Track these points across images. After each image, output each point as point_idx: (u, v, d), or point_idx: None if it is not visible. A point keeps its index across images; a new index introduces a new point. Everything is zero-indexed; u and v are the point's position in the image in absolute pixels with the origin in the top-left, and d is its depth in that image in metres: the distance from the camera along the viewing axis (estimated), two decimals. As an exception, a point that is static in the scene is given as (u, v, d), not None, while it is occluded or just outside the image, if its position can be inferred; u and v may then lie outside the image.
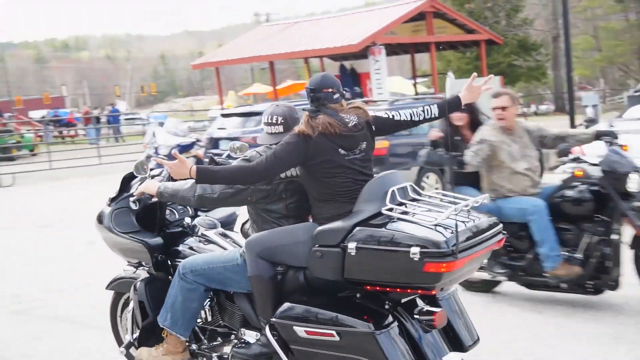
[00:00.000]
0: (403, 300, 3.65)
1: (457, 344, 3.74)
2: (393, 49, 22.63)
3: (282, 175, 3.89)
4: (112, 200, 4.71)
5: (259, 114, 12.92)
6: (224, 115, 14.02)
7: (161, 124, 15.50)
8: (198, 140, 15.36)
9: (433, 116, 4.07)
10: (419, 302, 3.70)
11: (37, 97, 55.14)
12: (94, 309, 6.36)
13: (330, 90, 3.85)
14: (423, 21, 20.62)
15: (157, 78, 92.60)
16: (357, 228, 3.55)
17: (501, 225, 3.77)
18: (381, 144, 10.64)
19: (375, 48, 18.59)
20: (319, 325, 3.53)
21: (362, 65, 22.44)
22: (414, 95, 22.63)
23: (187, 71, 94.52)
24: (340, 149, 3.74)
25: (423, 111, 4.02)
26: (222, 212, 4.88)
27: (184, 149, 14.77)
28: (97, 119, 33.39)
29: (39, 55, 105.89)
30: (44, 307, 6.89)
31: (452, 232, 3.34)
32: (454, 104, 4.14)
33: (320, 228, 3.70)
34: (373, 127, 3.91)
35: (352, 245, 3.49)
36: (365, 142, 3.83)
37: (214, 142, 13.15)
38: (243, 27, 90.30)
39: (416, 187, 3.83)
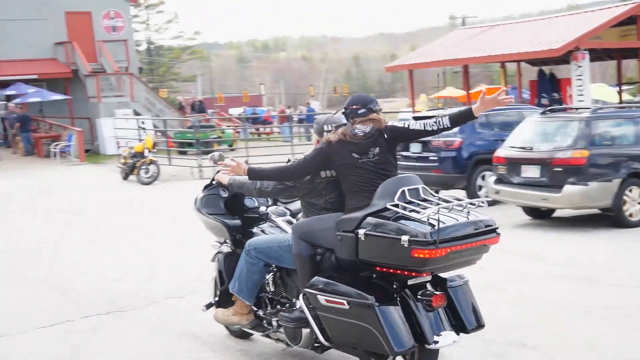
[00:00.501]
0: (410, 283, 4.40)
1: (461, 326, 4.48)
2: (597, 54, 21.39)
3: (323, 175, 4.82)
4: (206, 187, 5.83)
5: (451, 117, 12.75)
6: (415, 119, 13.93)
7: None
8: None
9: (445, 127, 4.66)
10: (428, 286, 4.44)
11: (237, 95, 58.22)
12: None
13: (355, 106, 4.79)
14: (633, 25, 19.28)
15: (349, 79, 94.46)
16: (368, 218, 4.37)
17: (497, 226, 4.41)
18: (580, 153, 10.11)
19: (579, 53, 17.69)
20: (335, 295, 4.39)
21: (562, 70, 21.47)
22: (618, 103, 21.28)
23: (379, 73, 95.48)
24: (353, 154, 4.63)
25: (435, 122, 4.66)
26: (297, 204, 5.56)
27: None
28: (291, 118, 34.65)
29: (241, 55, 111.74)
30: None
31: (437, 226, 4.09)
32: (465, 116, 4.66)
33: (341, 217, 4.58)
34: (385, 135, 4.68)
35: (362, 232, 4.35)
36: (377, 148, 4.65)
37: (404, 144, 13.11)
38: (437, 30, 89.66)
39: (428, 189, 4.56)
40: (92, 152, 26.95)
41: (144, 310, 6.94)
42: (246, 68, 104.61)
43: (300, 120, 35.10)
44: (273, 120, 38.69)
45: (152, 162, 18.08)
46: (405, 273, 4.31)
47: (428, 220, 4.14)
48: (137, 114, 27.57)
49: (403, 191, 4.42)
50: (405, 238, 4.10)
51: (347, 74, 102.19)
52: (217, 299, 5.74)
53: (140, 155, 18.29)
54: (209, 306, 5.80)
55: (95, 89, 28.10)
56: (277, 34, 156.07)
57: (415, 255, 4.08)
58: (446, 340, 4.33)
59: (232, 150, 26.92)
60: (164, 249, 9.93)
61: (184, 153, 23.28)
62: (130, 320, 6.65)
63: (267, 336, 5.39)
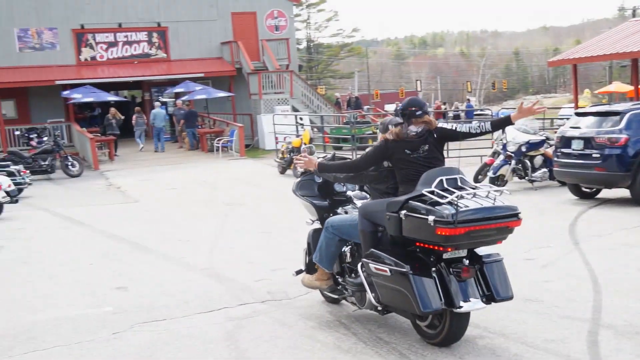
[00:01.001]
0: (445, 257, 5.23)
1: (491, 297, 5.26)
2: None
3: (385, 164, 5.72)
4: (303, 173, 6.91)
5: (616, 114, 12.08)
6: (578, 114, 13.33)
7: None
8: (548, 139, 14.86)
9: (486, 130, 5.54)
10: (464, 260, 5.23)
11: (393, 91, 58.31)
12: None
13: (412, 108, 5.62)
14: None
15: (509, 74, 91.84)
16: (408, 202, 5.22)
17: (519, 211, 5.14)
18: None
19: None
20: (381, 263, 5.35)
21: None
22: None
23: (540, 68, 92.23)
24: (406, 150, 5.53)
25: (479, 126, 5.56)
26: None
27: (533, 146, 14.42)
28: (446, 114, 34.17)
29: (398, 52, 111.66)
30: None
31: (458, 208, 4.90)
32: (505, 122, 5.67)
33: (390, 200, 5.41)
34: (435, 135, 5.55)
35: (402, 212, 5.23)
36: (427, 146, 5.53)
37: (565, 141, 12.60)
38: (605, 22, 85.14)
39: (465, 179, 5.34)
40: (251, 147, 27.92)
41: (297, 301, 7.13)
42: (403, 64, 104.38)
43: (456, 117, 34.58)
44: (429, 117, 38.31)
45: (308, 157, 18.44)
46: (436, 248, 5.15)
47: (452, 204, 4.93)
48: (295, 110, 28.26)
49: (441, 180, 5.20)
50: (431, 218, 4.96)
51: (507, 69, 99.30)
52: (305, 266, 6.71)
53: (297, 150, 18.72)
54: (298, 272, 6.78)
55: (257, 86, 29.10)
56: (435, 30, 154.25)
57: (439, 232, 4.93)
58: (472, 306, 5.13)
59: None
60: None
61: (339, 148, 23.63)
62: (284, 310, 6.86)
63: (345, 299, 6.47)
